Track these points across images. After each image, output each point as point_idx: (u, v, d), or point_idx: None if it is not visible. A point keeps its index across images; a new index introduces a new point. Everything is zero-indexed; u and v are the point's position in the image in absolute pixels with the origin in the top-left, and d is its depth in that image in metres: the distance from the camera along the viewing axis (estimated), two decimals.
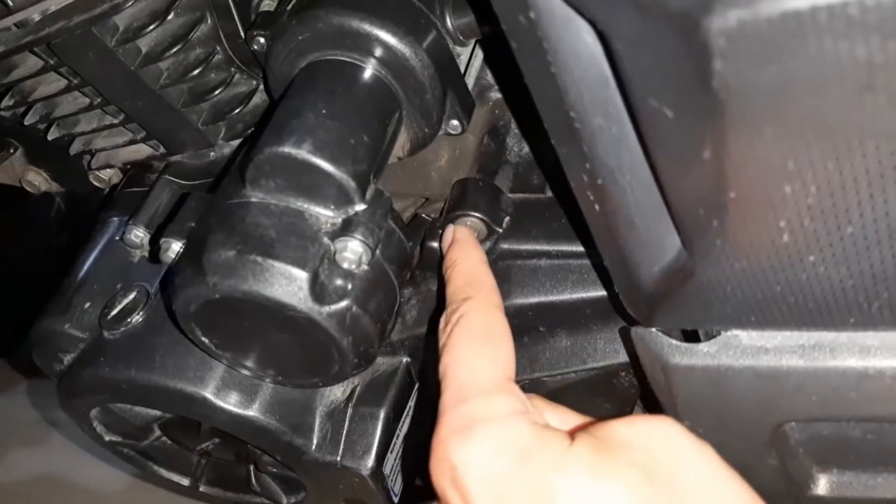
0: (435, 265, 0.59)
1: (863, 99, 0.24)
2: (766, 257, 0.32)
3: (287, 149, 0.47)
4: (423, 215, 0.63)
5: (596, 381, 0.57)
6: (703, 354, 0.40)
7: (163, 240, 0.55)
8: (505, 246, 0.57)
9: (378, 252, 0.50)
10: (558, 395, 0.60)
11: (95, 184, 0.79)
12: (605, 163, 0.35)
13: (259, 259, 0.47)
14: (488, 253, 0.58)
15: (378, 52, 0.51)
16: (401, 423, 0.62)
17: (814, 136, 0.26)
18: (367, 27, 0.50)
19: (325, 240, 0.48)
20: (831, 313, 0.34)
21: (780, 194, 0.28)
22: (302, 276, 0.47)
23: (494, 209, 0.58)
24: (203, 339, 0.53)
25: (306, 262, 0.47)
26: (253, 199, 0.49)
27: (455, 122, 0.57)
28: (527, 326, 0.58)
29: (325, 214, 0.49)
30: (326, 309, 0.47)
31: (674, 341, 0.41)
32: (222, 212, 0.50)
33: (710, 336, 0.41)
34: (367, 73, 0.52)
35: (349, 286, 0.48)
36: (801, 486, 0.43)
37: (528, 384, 0.61)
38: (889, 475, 0.42)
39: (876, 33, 0.22)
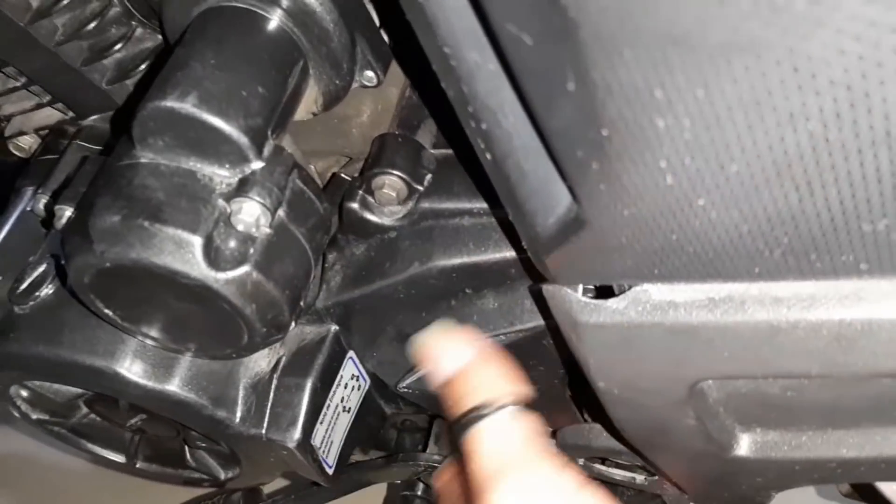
0: (356, 227, 0.56)
1: (722, 8, 0.20)
2: (654, 202, 0.29)
3: (170, 102, 0.43)
4: (344, 175, 0.59)
5: (526, 344, 0.54)
6: (613, 311, 0.37)
7: (56, 206, 0.51)
8: (426, 205, 0.54)
9: (282, 213, 0.47)
10: None
11: (15, 153, 0.76)
12: (487, 104, 0.32)
13: (146, 224, 0.43)
14: (408, 214, 0.54)
15: None
16: (330, 392, 0.59)
17: (676, 56, 0.22)
18: None
19: (220, 201, 0.45)
20: (734, 263, 0.31)
21: (653, 129, 0.25)
22: (194, 240, 0.43)
23: (415, 166, 0.55)
24: (106, 311, 0.50)
25: (198, 225, 0.44)
26: (142, 160, 0.46)
27: (370, 73, 0.53)
28: (453, 289, 0.55)
29: (218, 174, 0.45)
30: (224, 276, 0.44)
31: (582, 298, 0.38)
32: (110, 174, 0.46)
33: (621, 292, 0.38)
34: (264, 20, 0.48)
35: (249, 250, 0.45)
36: (724, 447, 0.41)
37: None
38: (814, 433, 0.39)
39: None
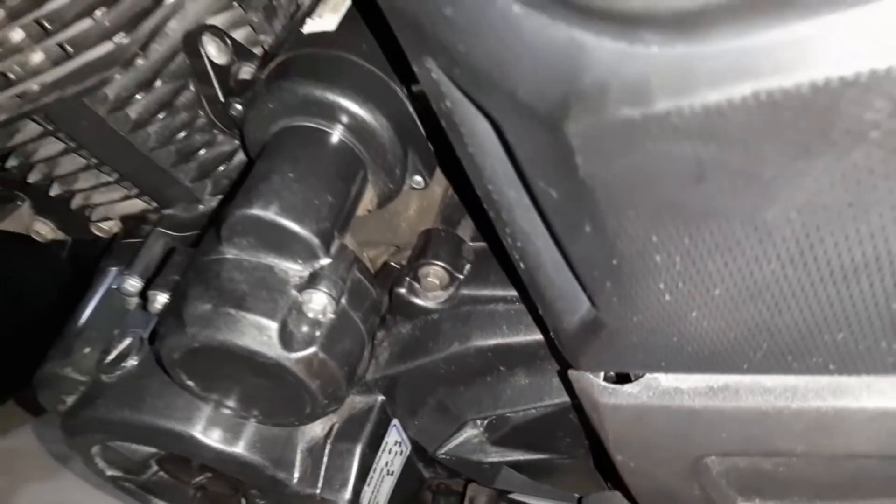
0: (403, 310, 0.64)
1: (698, 188, 0.28)
2: (657, 313, 0.36)
3: (256, 210, 0.52)
4: (393, 263, 0.67)
5: (553, 417, 0.61)
6: (628, 395, 0.44)
7: (150, 292, 0.60)
8: (465, 292, 0.62)
9: (344, 301, 0.55)
10: (522, 430, 0.64)
11: (97, 234, 0.85)
12: (522, 228, 0.39)
13: (233, 311, 0.52)
14: (450, 299, 0.62)
15: (341, 117, 0.56)
16: (377, 457, 0.66)
17: (667, 217, 0.30)
18: (330, 96, 0.55)
19: (293, 292, 0.53)
20: (725, 360, 0.38)
21: (652, 262, 0.33)
22: (272, 325, 0.51)
23: (456, 257, 0.62)
24: (188, 382, 0.58)
25: (276, 312, 0.52)
26: (228, 256, 0.54)
27: (418, 178, 0.62)
28: (488, 367, 0.62)
29: (293, 269, 0.54)
30: (295, 356, 0.52)
31: (603, 382, 0.45)
32: (201, 267, 0.55)
33: (636, 378, 0.45)
34: (331, 138, 0.57)
35: (316, 333, 0.53)
36: None
37: (496, 420, 0.65)
38: (803, 502, 0.45)
39: (698, 136, 0.26)
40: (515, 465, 0.69)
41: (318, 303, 0.53)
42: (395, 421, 0.68)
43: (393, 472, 0.69)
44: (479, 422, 0.66)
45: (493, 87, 0.31)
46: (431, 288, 0.62)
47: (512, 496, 0.82)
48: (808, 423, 0.39)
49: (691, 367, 0.40)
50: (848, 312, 0.32)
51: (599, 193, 0.31)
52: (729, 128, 0.25)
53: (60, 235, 0.94)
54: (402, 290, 0.63)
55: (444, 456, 0.68)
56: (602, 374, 0.46)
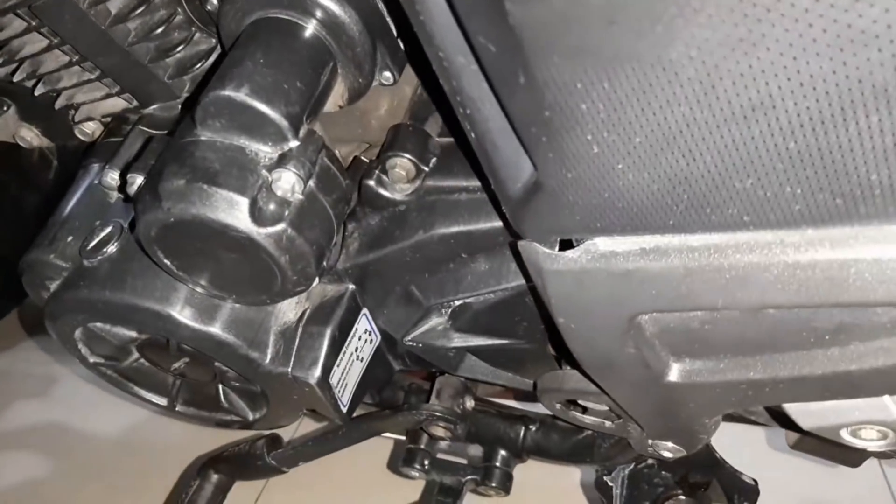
0: (372, 201, 0.67)
1: (609, 30, 0.31)
2: (587, 167, 0.39)
3: (228, 92, 0.55)
4: (363, 158, 0.70)
5: (511, 301, 0.65)
6: (568, 260, 0.47)
7: (129, 175, 0.63)
8: (430, 183, 0.65)
9: (312, 183, 0.58)
10: (483, 315, 0.68)
11: (80, 137, 0.87)
12: (470, 95, 0.42)
13: (205, 186, 0.55)
14: (416, 191, 0.65)
15: (311, 10, 0.59)
16: (346, 341, 0.70)
17: (587, 61, 0.33)
18: None
19: (263, 171, 0.56)
20: (653, 217, 0.42)
21: (578, 111, 0.36)
22: (242, 201, 0.55)
23: (422, 151, 0.66)
24: (165, 261, 0.61)
25: (246, 189, 0.55)
26: (202, 138, 0.57)
27: (387, 74, 0.64)
28: (451, 254, 0.65)
29: (263, 150, 0.57)
30: (264, 230, 0.55)
31: (546, 249, 0.48)
32: (176, 149, 0.57)
33: (577, 245, 0.48)
34: (302, 29, 0.59)
35: (285, 211, 0.56)
36: (659, 374, 0.51)
37: (458, 307, 0.69)
38: (728, 360, 0.49)
39: None
40: (478, 352, 0.73)
41: (287, 181, 0.56)
42: (364, 310, 0.72)
43: (363, 358, 0.73)
44: (443, 310, 0.70)
45: None
46: (398, 180, 0.65)
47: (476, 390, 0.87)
48: (727, 278, 0.43)
49: (624, 228, 0.44)
50: (752, 155, 0.35)
51: (527, 40, 0.33)
52: None
53: (45, 142, 0.97)
54: (371, 182, 0.66)
55: (411, 343, 0.73)
56: (549, 245, 0.50)
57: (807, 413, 0.51)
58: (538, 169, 0.42)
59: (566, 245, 0.50)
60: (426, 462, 0.91)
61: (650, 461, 0.82)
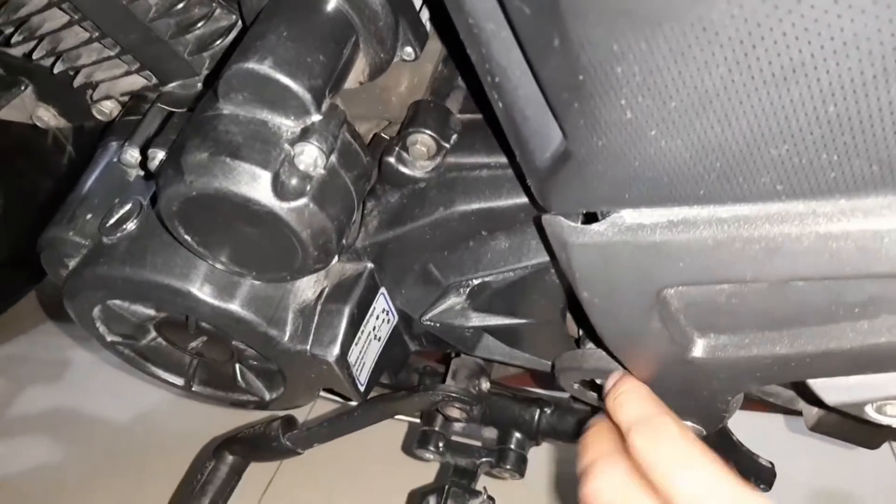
0: (391, 178, 0.67)
1: None
2: (619, 134, 0.39)
3: (251, 65, 0.54)
4: (383, 135, 0.70)
5: (530, 280, 0.65)
6: (594, 233, 0.47)
7: (150, 150, 0.63)
8: (451, 160, 0.65)
9: (334, 158, 0.58)
10: (502, 294, 0.68)
11: (98, 116, 0.87)
12: (499, 63, 0.42)
13: (228, 160, 0.55)
14: (436, 167, 0.65)
15: None
16: (365, 320, 0.70)
17: (625, 22, 0.33)
18: None
19: (286, 145, 0.56)
20: (684, 186, 0.41)
21: (614, 74, 0.35)
22: (265, 174, 0.54)
23: (443, 127, 0.65)
24: (186, 236, 0.61)
25: (268, 163, 0.55)
26: (224, 111, 0.57)
27: (409, 49, 0.64)
28: (471, 231, 0.65)
29: (285, 124, 0.56)
30: (287, 205, 0.55)
31: (571, 223, 0.48)
32: (198, 122, 0.57)
33: (602, 218, 0.48)
34: (325, 3, 0.59)
35: (307, 186, 0.56)
36: (683, 349, 0.51)
37: (477, 286, 0.69)
38: (753, 335, 0.49)
39: None
40: (495, 332, 0.73)
41: (310, 155, 0.55)
42: (382, 289, 0.72)
43: (380, 337, 0.73)
44: (461, 289, 0.70)
45: None
46: (419, 156, 0.65)
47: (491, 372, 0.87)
48: (756, 249, 0.43)
49: (653, 199, 0.44)
50: (789, 119, 0.35)
51: (566, 1, 0.33)
52: None
53: (62, 122, 0.97)
54: (391, 159, 0.66)
55: (428, 322, 0.72)
56: (573, 218, 0.49)
57: (832, 388, 0.50)
58: (568, 137, 0.42)
59: (591, 219, 0.49)
60: (441, 444, 0.91)
61: None
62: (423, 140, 0.64)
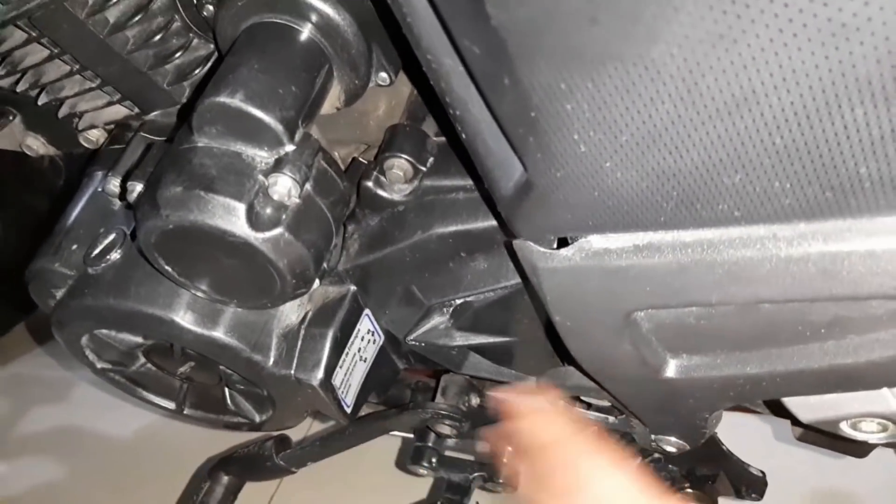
0: (370, 202, 0.67)
1: (591, 30, 0.31)
2: (576, 166, 0.39)
3: (223, 98, 0.55)
4: (361, 159, 0.71)
5: (511, 299, 0.65)
6: (563, 258, 0.47)
7: (129, 183, 0.63)
8: (428, 183, 0.65)
9: (308, 187, 0.58)
10: (484, 313, 0.68)
11: (85, 144, 0.88)
12: (460, 96, 0.43)
13: (202, 193, 0.55)
14: (414, 191, 0.65)
15: (306, 13, 0.59)
16: (349, 342, 0.70)
17: (570, 62, 0.33)
18: None
19: (260, 176, 0.56)
20: (643, 213, 0.42)
21: (564, 111, 0.36)
22: (239, 206, 0.55)
23: (420, 151, 0.66)
24: (166, 267, 0.62)
25: (242, 194, 0.55)
26: (199, 144, 0.57)
27: (383, 75, 0.64)
28: (450, 253, 0.66)
29: (259, 155, 0.57)
30: (262, 235, 0.56)
31: (540, 248, 0.48)
32: (174, 156, 0.58)
33: (571, 243, 0.48)
34: (297, 33, 0.59)
35: (282, 216, 0.56)
36: (656, 370, 0.51)
37: (460, 305, 0.69)
38: (725, 355, 0.49)
39: None
40: (480, 350, 0.73)
41: (283, 185, 0.56)
42: (366, 310, 0.73)
43: (366, 358, 0.74)
44: (445, 308, 0.70)
45: None
46: (396, 180, 0.66)
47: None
48: (720, 273, 0.43)
49: (616, 226, 0.44)
50: (739, 150, 0.35)
51: (510, 42, 0.34)
52: None
53: (52, 150, 0.98)
54: (369, 183, 0.66)
55: (413, 342, 0.73)
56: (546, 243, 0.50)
57: (806, 406, 0.51)
58: (528, 169, 0.42)
59: (561, 243, 0.50)
60: (434, 459, 0.91)
61: (656, 455, 0.82)
62: (399, 164, 0.65)
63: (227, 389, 0.78)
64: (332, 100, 0.65)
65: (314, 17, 0.59)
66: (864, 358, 0.43)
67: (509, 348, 0.72)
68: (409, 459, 0.91)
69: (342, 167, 0.72)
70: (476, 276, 0.65)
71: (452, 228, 0.64)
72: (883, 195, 0.36)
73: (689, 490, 0.80)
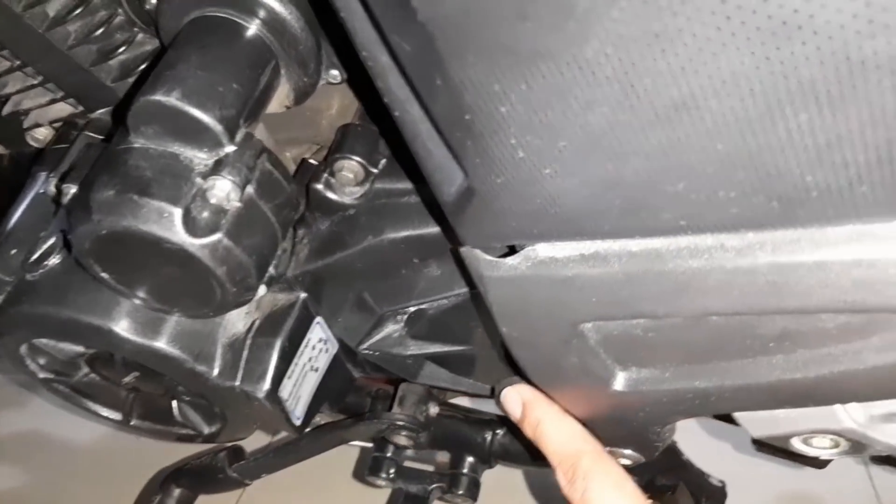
0: (320, 206, 0.65)
1: (522, 26, 0.29)
2: (515, 172, 0.37)
3: (159, 97, 0.52)
4: (312, 160, 0.68)
5: (464, 307, 0.63)
6: (509, 267, 0.45)
7: (63, 185, 0.60)
8: (380, 186, 0.63)
9: (251, 190, 0.56)
10: (438, 321, 0.66)
11: (32, 144, 0.85)
12: (397, 96, 0.40)
13: (136, 197, 0.52)
14: (365, 193, 0.63)
15: (251, 7, 0.56)
16: (298, 352, 0.68)
17: (503, 61, 0.31)
18: None
19: (198, 179, 0.54)
20: (587, 222, 0.40)
21: (499, 114, 0.34)
22: (175, 211, 0.52)
23: (371, 152, 0.63)
24: (102, 274, 0.59)
25: (178, 199, 0.53)
26: (135, 145, 0.55)
27: (334, 72, 0.62)
28: (403, 259, 0.63)
29: (198, 156, 0.54)
30: (199, 241, 0.53)
31: (486, 256, 0.46)
32: (109, 157, 0.55)
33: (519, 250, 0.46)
34: (241, 28, 0.57)
35: (221, 221, 0.54)
36: (605, 383, 0.49)
37: (413, 313, 0.67)
38: (673, 369, 0.47)
39: None
40: (435, 359, 0.71)
41: (222, 189, 0.53)
42: (318, 318, 0.70)
43: (318, 368, 0.71)
44: (399, 316, 0.68)
45: None
46: (347, 182, 0.63)
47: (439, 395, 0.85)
48: (667, 284, 0.41)
49: (561, 234, 0.42)
50: (680, 158, 0.33)
51: (439, 39, 0.31)
52: None
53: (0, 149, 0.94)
54: (319, 186, 0.64)
55: (367, 351, 0.70)
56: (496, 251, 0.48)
57: (758, 421, 0.49)
58: (468, 175, 0.40)
59: (510, 250, 0.48)
60: (392, 470, 0.89)
61: None
62: (349, 166, 0.63)
63: (174, 401, 0.75)
64: (281, 98, 0.62)
65: (260, 12, 0.57)
66: (814, 373, 0.42)
67: (465, 357, 0.70)
68: (366, 470, 0.89)
69: (292, 168, 0.70)
70: (429, 283, 0.63)
71: (404, 233, 0.61)
72: (831, 205, 0.35)
73: (649, 501, 0.78)
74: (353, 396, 0.90)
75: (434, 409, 0.84)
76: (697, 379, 0.46)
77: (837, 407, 0.46)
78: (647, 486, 0.81)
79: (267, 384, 0.65)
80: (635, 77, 0.30)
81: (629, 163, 0.34)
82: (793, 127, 0.31)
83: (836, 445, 0.50)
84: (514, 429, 0.86)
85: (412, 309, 0.67)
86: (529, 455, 0.87)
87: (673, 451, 0.78)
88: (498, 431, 0.88)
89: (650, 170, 0.34)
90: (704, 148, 0.32)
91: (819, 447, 0.50)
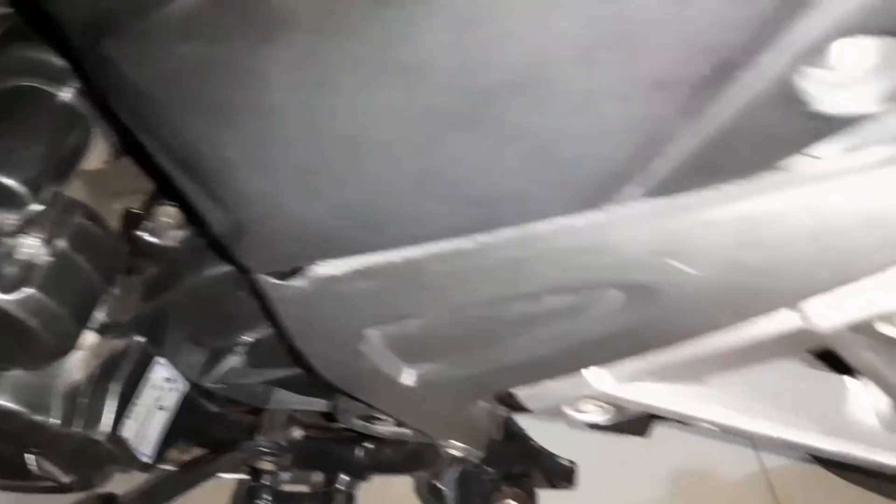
0: (145, 251, 0.68)
1: (213, 83, 0.34)
2: (263, 206, 0.42)
3: None
4: (134, 210, 0.72)
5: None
6: (293, 288, 0.50)
7: None
8: (198, 227, 0.67)
9: (64, 244, 0.59)
10: (272, 348, 0.70)
11: None
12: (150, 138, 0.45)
13: None
14: (186, 236, 0.67)
15: (62, 78, 0.60)
16: (138, 391, 0.71)
17: (205, 114, 0.36)
18: (53, 59, 0.59)
19: (6, 239, 0.57)
20: (338, 241, 0.45)
21: (225, 159, 0.39)
22: None
23: None
24: None
25: None
26: None
27: None
28: (224, 294, 0.67)
29: (6, 217, 0.57)
30: (9, 297, 0.56)
31: (272, 280, 0.51)
32: None
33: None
34: (49, 95, 0.61)
35: (30, 275, 0.57)
36: (393, 379, 0.54)
37: (249, 345, 0.71)
38: (450, 358, 0.53)
39: (188, 36, 0.32)
40: (281, 384, 0.75)
41: (29, 246, 0.57)
42: (160, 360, 0.73)
43: (165, 406, 0.74)
44: (237, 348, 0.72)
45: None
46: (167, 227, 0.67)
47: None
48: (424, 286, 0.47)
49: (327, 252, 0.47)
50: (380, 182, 0.39)
51: (144, 97, 0.36)
52: (204, 23, 0.32)
53: None
54: (142, 233, 0.67)
55: (213, 385, 0.74)
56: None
57: (531, 397, 0.55)
58: (229, 209, 0.45)
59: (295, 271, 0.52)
60: (268, 496, 0.91)
61: (475, 461, 0.86)
62: (167, 212, 0.66)
63: (27, 454, 0.76)
64: (99, 155, 0.66)
65: (71, 81, 0.61)
66: (557, 347, 0.48)
67: (305, 378, 0.74)
68: (242, 500, 0.91)
69: (118, 219, 0.73)
70: (254, 314, 0.67)
71: (223, 269, 0.65)
72: (522, 205, 0.41)
73: (507, 489, 0.84)
74: (219, 429, 0.92)
75: (298, 432, 0.87)
76: (470, 366, 0.52)
77: (584, 373, 0.53)
78: (507, 476, 0.86)
79: (106, 427, 0.67)
80: (315, 117, 0.35)
81: (346, 189, 0.40)
82: (459, 145, 0.37)
83: (602, 409, 0.56)
84: (382, 441, 0.91)
85: (249, 339, 0.71)
86: (401, 463, 0.92)
87: (523, 439, 0.84)
88: (366, 445, 0.92)
89: (362, 194, 0.40)
90: (395, 172, 0.38)
91: (588, 412, 0.56)
